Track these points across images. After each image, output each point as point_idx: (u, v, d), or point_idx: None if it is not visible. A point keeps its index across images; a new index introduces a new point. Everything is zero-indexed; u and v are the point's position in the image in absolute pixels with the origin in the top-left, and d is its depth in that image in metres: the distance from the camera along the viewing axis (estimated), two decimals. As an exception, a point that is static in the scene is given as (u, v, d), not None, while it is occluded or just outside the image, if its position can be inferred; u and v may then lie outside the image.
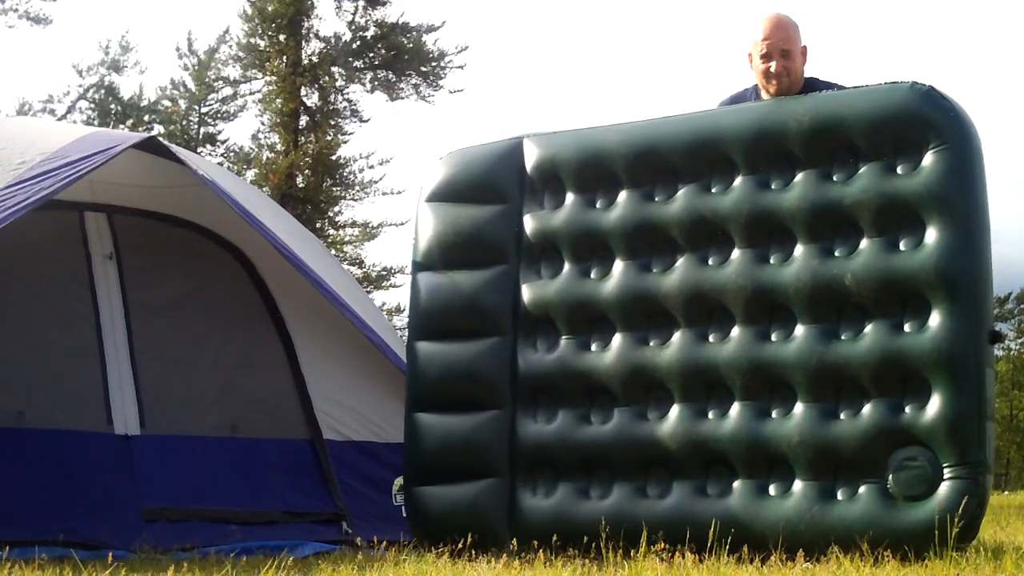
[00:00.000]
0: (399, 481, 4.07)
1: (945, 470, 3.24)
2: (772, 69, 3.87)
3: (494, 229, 4.02)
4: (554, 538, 3.54)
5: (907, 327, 3.36)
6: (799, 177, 3.59)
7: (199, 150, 20.13)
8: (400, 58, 20.34)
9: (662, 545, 3.31)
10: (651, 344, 3.74)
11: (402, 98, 20.85)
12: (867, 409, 3.38)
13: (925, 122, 3.42)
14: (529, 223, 3.99)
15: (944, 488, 3.22)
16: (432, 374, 4.01)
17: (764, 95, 3.96)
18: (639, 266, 3.81)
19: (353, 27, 20.30)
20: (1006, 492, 16.77)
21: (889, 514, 3.26)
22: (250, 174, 19.76)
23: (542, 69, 61.46)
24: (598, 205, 3.90)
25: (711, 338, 3.66)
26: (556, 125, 4.13)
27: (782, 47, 3.88)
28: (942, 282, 3.32)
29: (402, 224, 21.14)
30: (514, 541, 3.60)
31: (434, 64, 20.57)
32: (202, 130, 22.01)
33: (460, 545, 3.61)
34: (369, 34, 20.35)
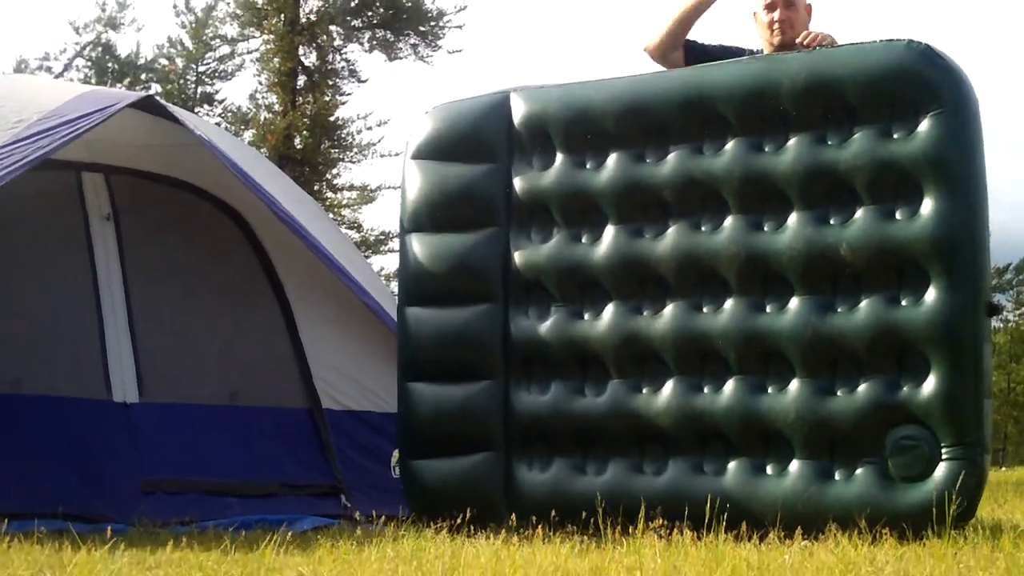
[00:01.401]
0: (396, 454, 4.05)
1: (943, 450, 3.17)
2: (776, 17, 3.84)
3: (483, 189, 3.90)
4: (552, 514, 3.46)
5: (903, 300, 3.27)
6: (792, 140, 3.46)
7: (196, 110, 19.92)
8: (399, 17, 20.09)
9: (660, 522, 3.26)
10: (644, 314, 3.64)
11: (400, 58, 20.58)
12: (864, 386, 3.30)
13: (922, 83, 3.30)
14: (519, 183, 3.86)
15: (942, 468, 3.17)
16: (423, 341, 3.91)
17: (767, 50, 3.89)
18: (631, 231, 3.69)
19: (351, -16, 20.07)
20: (1004, 468, 16.77)
21: (887, 494, 3.20)
22: (248, 135, 19.58)
23: (541, 29, 60.94)
24: (588, 166, 3.77)
25: (705, 308, 3.56)
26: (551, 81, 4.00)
27: None
28: (939, 253, 3.23)
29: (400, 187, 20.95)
30: (513, 516, 3.53)
31: (432, 24, 20.37)
32: (199, 89, 21.73)
33: (458, 520, 3.54)
34: (367, -7, 20.15)
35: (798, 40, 3.78)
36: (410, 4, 20.14)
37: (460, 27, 20.74)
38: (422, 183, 3.99)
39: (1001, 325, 30.64)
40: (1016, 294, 29.78)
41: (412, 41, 20.71)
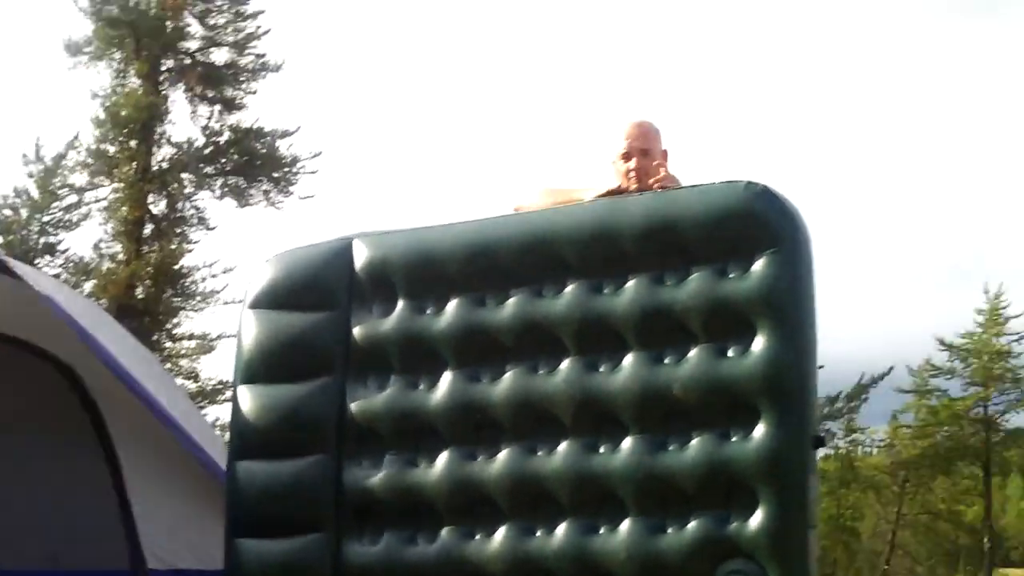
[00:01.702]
0: None
1: None
2: (632, 166, 3.98)
3: (320, 337, 3.84)
4: None
5: (733, 436, 3.27)
6: (632, 281, 3.49)
7: (37, 261, 19.54)
8: (252, 163, 20.26)
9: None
10: (479, 459, 3.60)
11: (251, 204, 20.68)
12: (694, 522, 3.28)
13: (758, 223, 3.35)
14: (357, 331, 3.80)
15: None
16: (252, 494, 3.81)
17: None
18: (467, 376, 3.66)
19: (207, 132, 20.19)
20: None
21: None
22: (88, 285, 19.24)
23: (395, 173, 62.14)
24: (428, 311, 3.74)
25: (539, 451, 3.52)
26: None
27: (641, 146, 4.01)
28: (769, 389, 3.24)
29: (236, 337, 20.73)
30: None
31: (286, 169, 20.50)
32: (42, 239, 21.30)
33: None
34: (223, 139, 20.24)
35: (651, 182, 3.90)
36: (265, 151, 20.29)
37: (313, 172, 20.94)
38: (258, 333, 3.92)
39: (832, 451, 31.76)
40: (847, 421, 30.92)
41: (264, 187, 20.79)
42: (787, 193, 3.43)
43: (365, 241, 3.89)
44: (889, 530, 33.67)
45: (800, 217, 3.42)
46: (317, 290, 3.88)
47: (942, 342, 31.77)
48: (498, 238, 3.72)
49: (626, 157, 4.04)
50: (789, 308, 3.32)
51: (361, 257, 3.86)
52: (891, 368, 29.98)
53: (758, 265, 3.32)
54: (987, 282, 43.91)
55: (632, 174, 4.01)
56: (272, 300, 3.94)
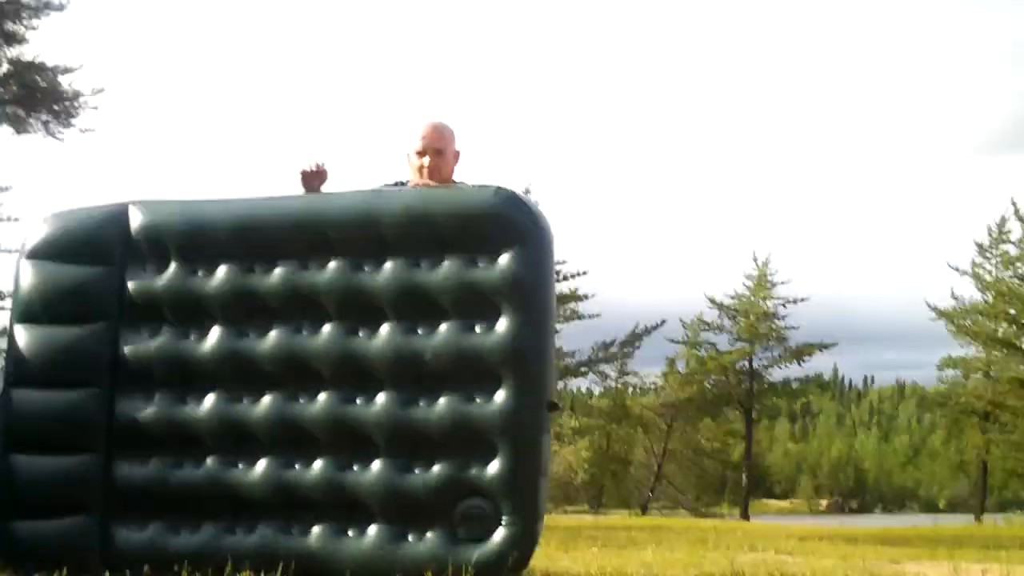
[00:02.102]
0: None
1: (504, 518, 3.77)
2: (426, 164, 4.32)
3: (95, 288, 4.17)
4: (146, 569, 3.84)
5: (478, 399, 3.84)
6: (390, 263, 3.99)
7: None
8: (32, 95, 19.59)
9: (248, 575, 3.71)
10: (244, 402, 4.05)
11: (30, 132, 20.10)
12: (439, 466, 3.85)
13: (506, 223, 3.88)
14: (132, 285, 4.17)
15: (501, 532, 3.76)
16: (28, 417, 4.11)
17: None
18: (235, 332, 4.09)
19: (-14, 63, 19.35)
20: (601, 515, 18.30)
21: (454, 552, 3.76)
22: None
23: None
24: (200, 274, 4.13)
25: (302, 399, 4.00)
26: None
27: (436, 146, 4.34)
28: (509, 362, 3.82)
29: (12, 252, 20.36)
30: (107, 573, 3.83)
31: (67, 103, 19.95)
32: None
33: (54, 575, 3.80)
34: (2, 70, 19.52)
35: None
36: (45, 84, 19.71)
37: (95, 108, 20.47)
38: (35, 280, 4.24)
39: (603, 389, 33.96)
40: (621, 364, 33.01)
41: (44, 118, 20.23)
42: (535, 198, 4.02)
43: (140, 207, 4.27)
44: (655, 463, 35.43)
45: (543, 219, 4.00)
46: (93, 247, 4.24)
47: (712, 301, 34.08)
48: (269, 216, 4.16)
49: (420, 154, 4.33)
50: (529, 295, 3.91)
51: (136, 221, 4.25)
52: (663, 321, 31.94)
53: (504, 259, 3.91)
54: (755, 250, 46.88)
55: (425, 171, 4.32)
56: (49, 253, 4.26)
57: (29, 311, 4.22)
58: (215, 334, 4.12)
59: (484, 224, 3.93)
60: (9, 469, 4.10)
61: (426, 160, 4.35)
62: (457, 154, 4.47)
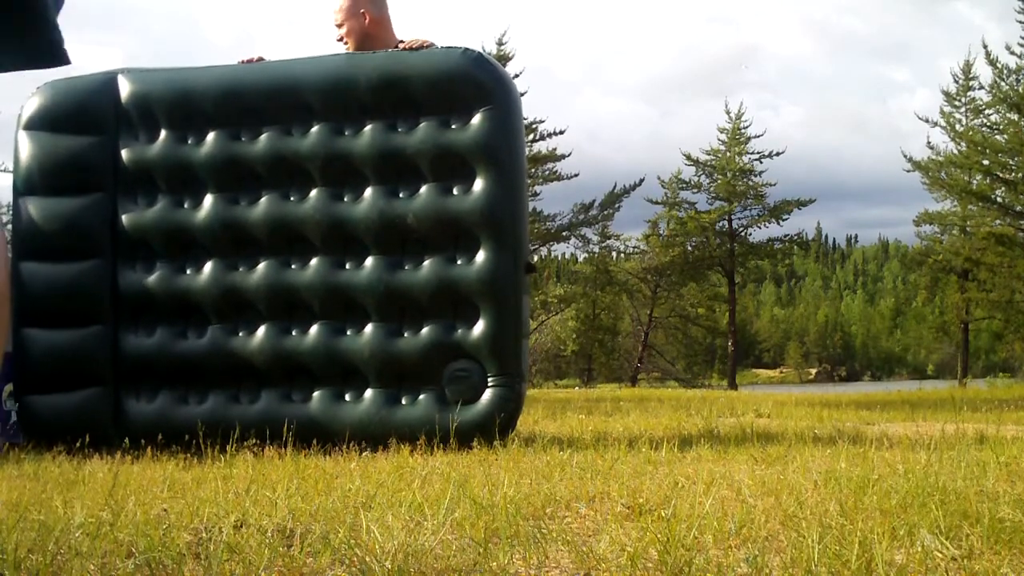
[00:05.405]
0: (9, 387, 4.31)
1: (489, 379, 3.89)
2: (343, 32, 4.30)
3: (91, 158, 4.23)
4: (159, 438, 3.95)
5: (459, 260, 3.93)
6: (368, 127, 4.05)
7: None
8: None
9: (254, 442, 3.82)
10: (240, 270, 4.14)
11: None
12: (426, 329, 3.96)
13: (475, 84, 3.94)
14: (125, 154, 4.23)
15: (488, 393, 3.88)
16: (37, 291, 4.18)
17: None
18: (228, 199, 4.17)
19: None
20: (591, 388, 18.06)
21: (444, 415, 3.86)
22: None
23: None
24: (190, 141, 4.20)
25: (293, 265, 4.10)
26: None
27: (337, 22, 4.32)
28: (486, 224, 3.90)
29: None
30: (125, 442, 3.94)
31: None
32: None
33: (76, 446, 3.91)
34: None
35: (406, 44, 4.24)
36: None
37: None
38: (33, 151, 4.29)
39: (587, 256, 32.86)
40: (602, 227, 31.78)
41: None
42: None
43: (129, 76, 4.32)
44: (642, 331, 35.32)
45: (510, 81, 4.05)
46: (86, 116, 4.29)
47: (688, 157, 32.69)
48: (250, 82, 4.21)
49: (338, 25, 4.33)
50: (502, 156, 3.97)
51: (126, 90, 4.30)
52: (642, 179, 30.54)
53: (475, 120, 3.95)
54: (727, 100, 44.57)
55: (343, 41, 4.31)
56: (45, 123, 4.31)
57: (29, 183, 4.28)
58: (208, 202, 4.19)
59: (454, 85, 3.97)
60: (24, 344, 4.20)
61: (343, 30, 4.33)
62: (375, 20, 4.34)
